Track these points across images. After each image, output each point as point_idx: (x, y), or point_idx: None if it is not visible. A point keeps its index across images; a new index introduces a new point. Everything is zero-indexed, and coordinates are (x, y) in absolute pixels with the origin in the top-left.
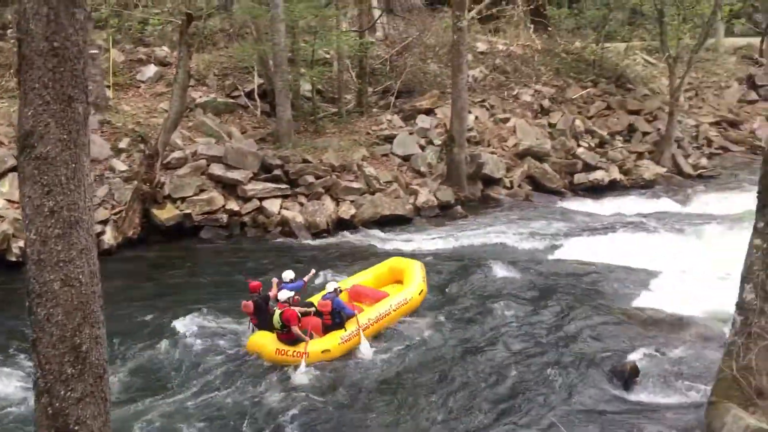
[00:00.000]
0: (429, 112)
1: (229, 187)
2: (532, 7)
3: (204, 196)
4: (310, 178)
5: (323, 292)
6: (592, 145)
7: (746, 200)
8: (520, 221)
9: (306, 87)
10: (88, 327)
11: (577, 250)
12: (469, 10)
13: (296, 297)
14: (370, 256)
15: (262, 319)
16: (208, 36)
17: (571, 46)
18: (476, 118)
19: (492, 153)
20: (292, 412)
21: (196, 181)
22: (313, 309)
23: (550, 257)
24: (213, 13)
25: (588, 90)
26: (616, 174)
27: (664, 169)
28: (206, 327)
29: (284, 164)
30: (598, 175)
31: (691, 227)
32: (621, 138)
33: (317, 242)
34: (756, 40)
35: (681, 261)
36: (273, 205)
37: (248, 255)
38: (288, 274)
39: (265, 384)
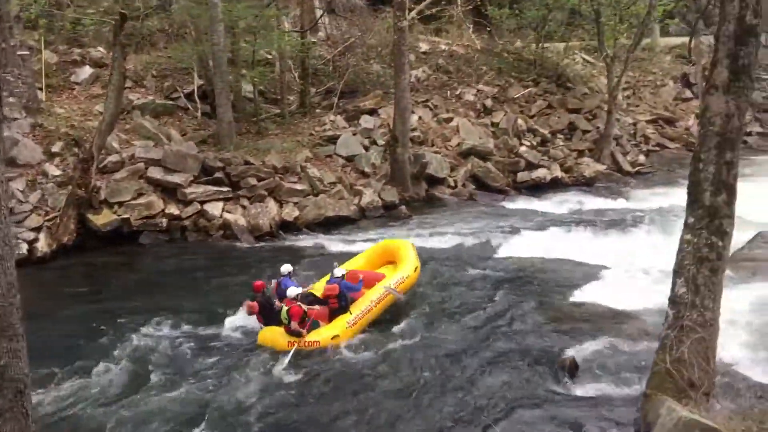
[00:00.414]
0: (372, 112)
1: (169, 191)
2: (471, 7)
3: (142, 200)
4: (253, 181)
5: (327, 277)
6: (535, 143)
7: (681, 196)
8: (464, 220)
9: (248, 88)
10: (6, 341)
11: (519, 247)
12: (410, 10)
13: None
14: (314, 258)
15: (267, 316)
16: (146, 36)
17: (512, 46)
18: (419, 118)
19: (436, 153)
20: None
21: (134, 185)
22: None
23: (493, 255)
24: (151, 12)
25: (529, 89)
26: (557, 172)
27: (604, 167)
28: (150, 334)
29: (226, 166)
30: (540, 173)
31: (628, 223)
32: (562, 136)
33: (260, 245)
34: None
35: (619, 256)
36: (215, 209)
37: (189, 260)
38: (286, 267)
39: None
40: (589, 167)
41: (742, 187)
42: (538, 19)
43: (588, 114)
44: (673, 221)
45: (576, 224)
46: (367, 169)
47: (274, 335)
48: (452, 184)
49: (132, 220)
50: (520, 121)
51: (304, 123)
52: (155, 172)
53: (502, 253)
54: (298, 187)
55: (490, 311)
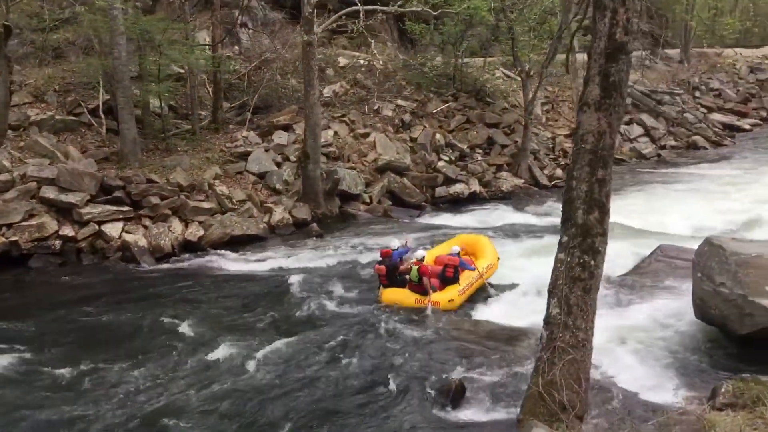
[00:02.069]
0: (287, 127)
1: (64, 211)
2: (381, 20)
3: (34, 221)
4: (156, 199)
5: (446, 252)
6: (453, 158)
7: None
8: (376, 237)
9: (157, 103)
10: None
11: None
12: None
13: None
14: (216, 279)
15: (390, 278)
16: (52, 49)
17: (432, 61)
18: (335, 133)
19: (352, 168)
20: None
21: (25, 205)
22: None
23: None
24: (59, 24)
25: (449, 104)
26: (476, 186)
27: (522, 181)
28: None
29: (127, 185)
30: (458, 188)
31: (537, 236)
32: (481, 151)
33: (161, 267)
34: None
35: (524, 272)
36: (113, 229)
37: (81, 284)
38: (395, 242)
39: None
40: (507, 181)
41: (651, 200)
42: (456, 34)
43: (507, 128)
44: None
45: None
46: (278, 186)
47: (398, 295)
48: (367, 200)
49: (21, 243)
50: (438, 136)
51: (215, 139)
52: (49, 192)
53: None
54: (205, 205)
55: (382, 332)
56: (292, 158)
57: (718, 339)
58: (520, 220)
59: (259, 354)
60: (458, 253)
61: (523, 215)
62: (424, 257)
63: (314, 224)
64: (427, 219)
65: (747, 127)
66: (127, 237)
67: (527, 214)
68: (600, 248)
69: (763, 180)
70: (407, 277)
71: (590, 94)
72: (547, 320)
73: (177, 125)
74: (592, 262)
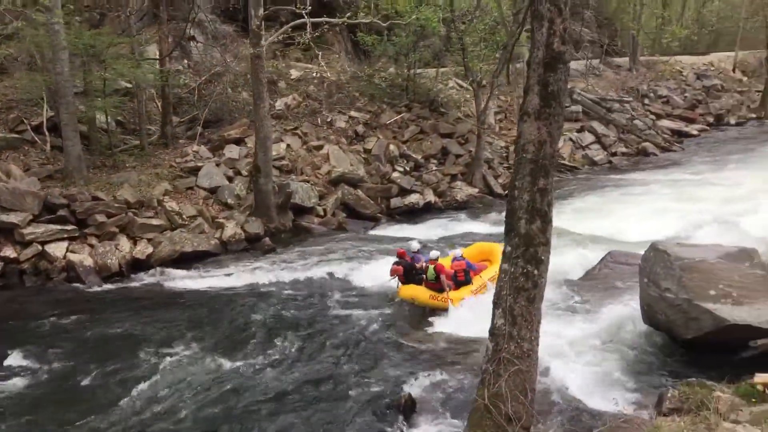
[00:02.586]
0: (238, 141)
1: (5, 232)
2: (335, 32)
3: None
4: (102, 217)
5: (451, 256)
6: (407, 169)
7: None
8: (329, 250)
9: (104, 119)
10: None
11: (379, 276)
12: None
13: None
14: (165, 298)
15: (408, 276)
16: None
17: (383, 72)
18: (288, 146)
19: (305, 181)
20: None
21: None
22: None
23: (351, 285)
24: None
25: (402, 115)
26: (431, 197)
27: (476, 190)
28: None
29: (71, 203)
30: (413, 198)
31: None
32: (435, 161)
33: (108, 287)
34: None
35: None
36: (57, 249)
37: (23, 307)
38: (415, 245)
39: None
40: (462, 191)
41: (602, 207)
42: (408, 45)
43: (461, 138)
44: None
45: (441, 249)
46: (230, 201)
47: (415, 291)
48: (321, 213)
49: None
50: (392, 146)
51: (165, 154)
52: None
53: (360, 282)
54: (154, 222)
55: (335, 345)
56: (244, 172)
57: (665, 344)
58: (475, 229)
59: (208, 374)
60: (461, 256)
61: (478, 224)
62: (438, 257)
63: (267, 239)
64: (382, 230)
65: (695, 132)
66: (72, 257)
67: (482, 223)
68: (543, 257)
69: (710, 185)
70: (424, 275)
71: (530, 103)
72: (492, 331)
73: (125, 141)
74: (536, 272)
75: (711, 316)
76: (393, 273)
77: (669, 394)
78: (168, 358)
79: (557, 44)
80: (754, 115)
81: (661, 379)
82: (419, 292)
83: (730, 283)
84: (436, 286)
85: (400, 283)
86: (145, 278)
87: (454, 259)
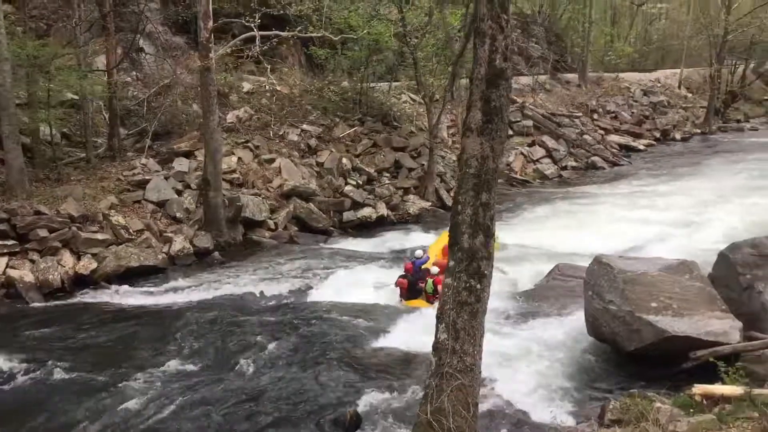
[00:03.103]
0: (188, 154)
1: None
2: (288, 45)
3: None
4: (44, 232)
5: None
6: (360, 182)
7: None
8: (280, 264)
9: (48, 131)
10: None
11: (331, 290)
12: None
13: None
14: (108, 314)
15: (411, 290)
16: None
17: (333, 86)
18: (239, 159)
19: (256, 194)
20: None
21: None
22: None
23: (303, 300)
24: None
25: (355, 128)
26: (383, 210)
27: (429, 203)
28: None
29: (11, 217)
30: (366, 212)
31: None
32: (388, 175)
33: (50, 303)
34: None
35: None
36: None
37: None
38: (419, 252)
39: None
40: (415, 204)
41: (552, 220)
42: (361, 59)
43: (413, 152)
44: None
45: (391, 263)
46: (179, 215)
47: (416, 305)
48: (272, 226)
49: None
50: (345, 160)
51: (112, 167)
52: None
53: (310, 297)
54: (100, 236)
55: (280, 361)
56: (194, 186)
57: (609, 356)
58: (427, 242)
59: (152, 391)
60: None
61: (430, 237)
62: (425, 256)
63: (216, 253)
64: (334, 244)
65: (641, 147)
66: (12, 273)
67: (434, 236)
68: (486, 272)
69: (655, 198)
70: (426, 289)
71: (473, 119)
72: (436, 346)
73: (70, 153)
74: (479, 286)
75: (652, 327)
76: (398, 285)
77: (611, 406)
78: (109, 376)
79: (499, 61)
80: (698, 131)
81: (604, 390)
82: (421, 304)
83: (670, 296)
84: (434, 298)
85: (402, 297)
86: (89, 294)
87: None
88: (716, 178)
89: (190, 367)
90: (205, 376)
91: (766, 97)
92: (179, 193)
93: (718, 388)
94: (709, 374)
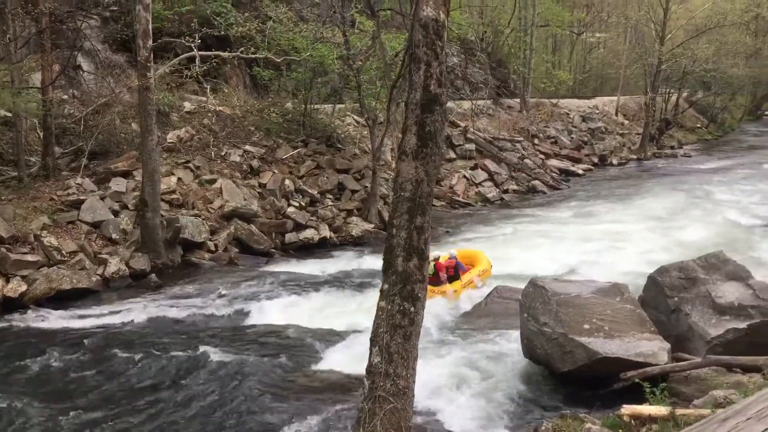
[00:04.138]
0: (126, 174)
1: None
2: (233, 65)
3: None
4: None
5: (447, 256)
6: (303, 204)
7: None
8: (220, 286)
9: None
10: None
11: (270, 313)
12: (169, 68)
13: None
14: (36, 339)
15: None
16: None
17: (275, 107)
18: (179, 179)
19: (196, 216)
20: None
21: None
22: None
23: (240, 324)
24: None
25: (299, 150)
26: (326, 232)
27: (372, 225)
28: None
29: None
30: (308, 233)
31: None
32: (331, 196)
33: None
34: (453, 104)
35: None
36: None
37: None
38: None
39: None
40: (358, 226)
41: (493, 243)
42: (305, 81)
43: (357, 174)
44: None
45: (334, 285)
46: (115, 236)
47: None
48: (212, 248)
49: None
50: (288, 181)
51: (45, 187)
52: None
53: (248, 320)
54: (30, 258)
55: (213, 385)
56: (131, 206)
57: (544, 377)
58: (369, 265)
59: (76, 421)
60: (455, 256)
61: (372, 259)
62: (438, 257)
63: (153, 275)
64: (275, 266)
65: (580, 171)
66: None
67: (377, 258)
68: (420, 295)
69: (591, 222)
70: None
71: (408, 143)
72: (369, 369)
73: (2, 172)
74: (412, 309)
75: (584, 349)
76: None
77: (543, 427)
78: (32, 403)
79: (434, 86)
80: (634, 156)
81: (538, 412)
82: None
83: (602, 318)
84: (433, 279)
85: None
86: (17, 318)
87: (448, 258)
88: (651, 202)
89: (119, 393)
90: (132, 403)
91: (698, 125)
92: (116, 213)
93: (645, 409)
94: (640, 395)
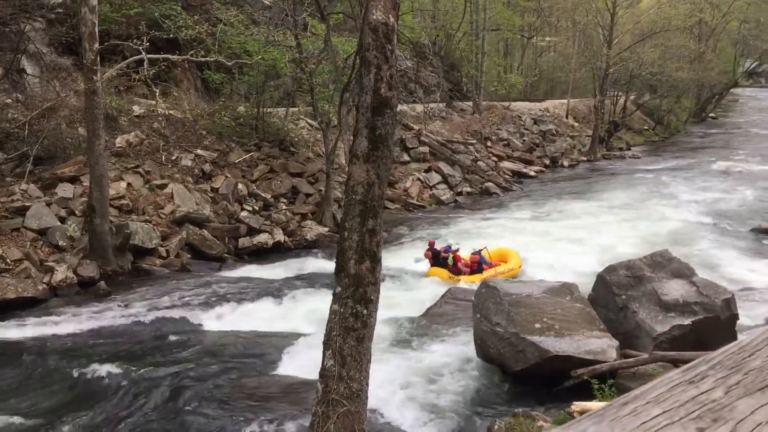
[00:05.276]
0: (73, 179)
1: None
2: (184, 68)
3: None
4: None
5: (473, 251)
6: (256, 208)
7: (396, 259)
8: (172, 293)
9: None
10: None
11: (222, 319)
12: (116, 72)
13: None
14: None
15: (435, 260)
16: None
17: (227, 112)
18: (129, 185)
19: (147, 221)
20: None
21: None
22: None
23: (192, 330)
24: None
25: (252, 154)
26: (280, 236)
27: (326, 229)
28: None
29: None
30: (262, 238)
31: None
32: (285, 200)
33: None
34: (407, 107)
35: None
36: None
37: None
38: (446, 241)
39: None
40: (312, 230)
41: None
42: (256, 84)
43: (311, 178)
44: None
45: (287, 289)
46: (62, 243)
47: (439, 272)
48: (163, 254)
49: None
50: (241, 185)
51: None
52: None
53: (200, 327)
54: None
55: (165, 393)
56: (79, 212)
57: (497, 377)
58: (323, 269)
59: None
60: (480, 252)
61: (326, 262)
62: (458, 249)
63: (102, 282)
64: (228, 271)
65: (532, 173)
66: None
67: (331, 262)
68: (372, 297)
69: (542, 222)
70: (448, 262)
71: (359, 146)
72: (322, 373)
73: None
74: (365, 311)
75: (536, 348)
76: (425, 256)
77: (496, 426)
78: None
79: (384, 90)
80: (584, 158)
81: (492, 411)
82: (441, 273)
83: (553, 317)
84: (453, 270)
85: (429, 265)
86: None
87: (473, 253)
88: (601, 202)
89: (62, 407)
90: (68, 416)
91: (645, 127)
92: (63, 220)
93: (593, 405)
94: (590, 391)
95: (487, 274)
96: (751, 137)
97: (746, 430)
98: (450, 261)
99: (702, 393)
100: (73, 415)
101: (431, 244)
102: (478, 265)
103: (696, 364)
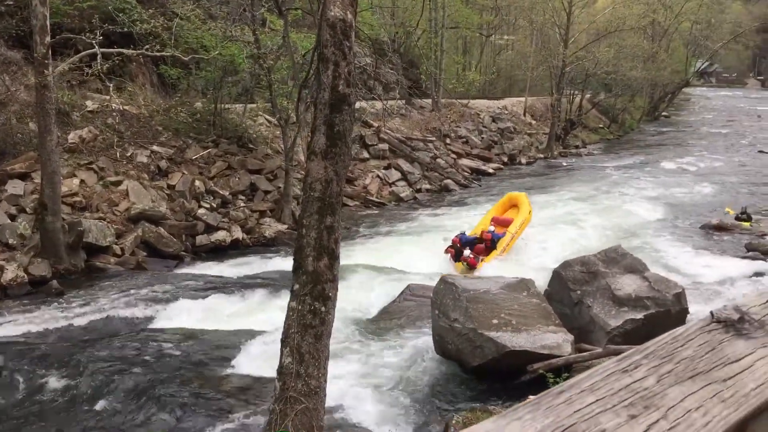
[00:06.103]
0: (24, 176)
1: None
2: (139, 63)
3: None
4: None
5: (486, 228)
6: (214, 205)
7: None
8: (127, 291)
9: None
10: None
11: (179, 318)
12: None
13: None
14: None
15: (458, 256)
16: None
17: (184, 108)
18: (82, 181)
19: (101, 219)
20: None
21: None
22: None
23: (147, 329)
24: None
25: (209, 150)
26: (238, 234)
27: (285, 226)
28: None
29: None
30: (220, 235)
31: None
32: (243, 197)
33: None
34: (366, 104)
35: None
36: None
37: None
38: (463, 228)
39: None
40: (271, 227)
41: (404, 241)
42: (214, 80)
43: (270, 174)
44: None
45: (245, 287)
46: (12, 241)
47: (461, 266)
48: (118, 252)
49: None
50: (198, 182)
51: None
52: None
53: (156, 325)
54: None
55: (124, 395)
56: (30, 210)
57: (456, 373)
58: (281, 266)
59: None
60: (492, 231)
61: (285, 260)
62: (493, 230)
63: (55, 281)
64: (185, 269)
65: (491, 171)
66: None
67: (289, 259)
68: (330, 294)
69: None
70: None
71: (317, 143)
72: (280, 371)
73: None
74: (323, 308)
75: (493, 343)
76: (447, 251)
77: (453, 421)
78: None
79: (342, 86)
80: (542, 155)
81: (450, 406)
82: (458, 268)
83: (510, 312)
84: (471, 262)
85: (453, 261)
86: None
87: (485, 232)
88: (558, 198)
89: (10, 412)
90: (28, 420)
91: (600, 125)
92: (13, 217)
93: None
94: (546, 385)
95: (500, 245)
96: (702, 135)
97: (676, 417)
98: (467, 253)
99: (635, 381)
100: (23, 420)
101: (455, 242)
102: (492, 242)
103: (630, 354)
